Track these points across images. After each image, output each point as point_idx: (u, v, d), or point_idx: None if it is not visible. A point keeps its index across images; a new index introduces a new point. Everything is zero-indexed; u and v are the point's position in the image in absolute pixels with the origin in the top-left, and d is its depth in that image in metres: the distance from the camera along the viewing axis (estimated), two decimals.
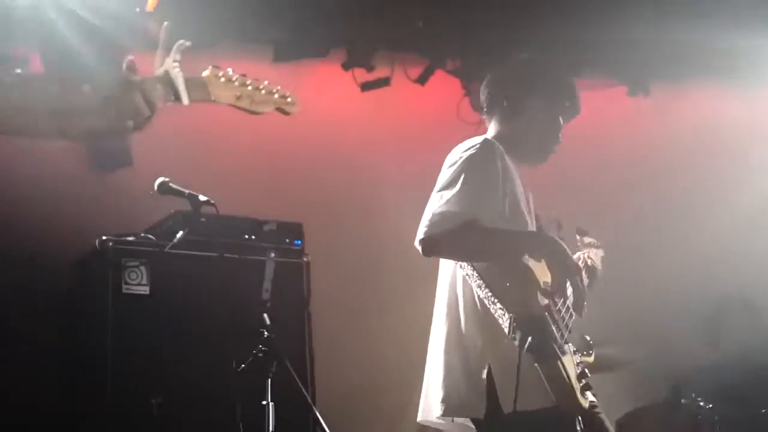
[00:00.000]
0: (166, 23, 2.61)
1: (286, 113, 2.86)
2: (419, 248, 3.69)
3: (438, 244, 3.67)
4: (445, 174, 3.79)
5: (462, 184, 3.69)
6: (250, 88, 2.76)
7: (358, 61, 7.22)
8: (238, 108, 2.77)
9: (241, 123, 6.90)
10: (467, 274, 3.79)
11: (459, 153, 3.84)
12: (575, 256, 4.34)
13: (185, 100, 2.60)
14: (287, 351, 4.88)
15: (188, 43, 2.62)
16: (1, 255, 6.17)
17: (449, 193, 3.68)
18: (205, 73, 2.70)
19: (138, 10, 5.96)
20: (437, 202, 3.70)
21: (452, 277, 3.91)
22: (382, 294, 7.19)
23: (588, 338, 4.09)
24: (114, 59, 2.50)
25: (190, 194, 5.15)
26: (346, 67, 7.25)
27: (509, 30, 7.03)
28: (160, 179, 5.17)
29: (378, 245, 7.15)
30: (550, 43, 7.16)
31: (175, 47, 2.60)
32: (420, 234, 3.68)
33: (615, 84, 7.99)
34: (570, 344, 3.83)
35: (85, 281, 5.91)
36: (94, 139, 6.94)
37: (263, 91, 2.80)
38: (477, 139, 3.89)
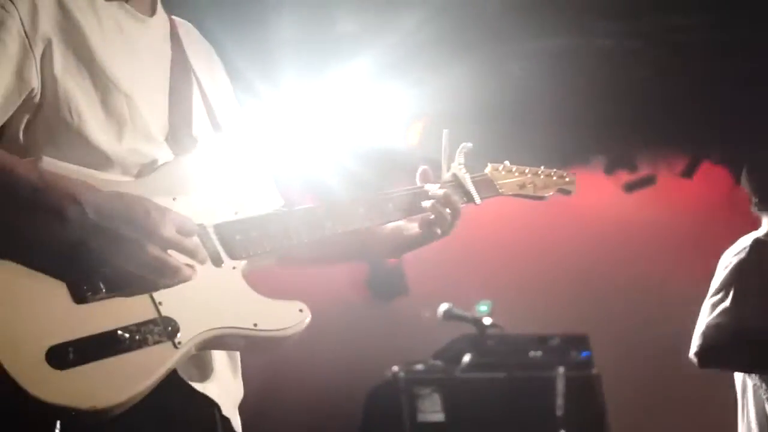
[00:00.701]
0: (446, 130, 2.67)
1: (567, 193, 2.84)
2: (694, 360, 3.61)
3: (712, 358, 3.60)
4: (717, 279, 3.72)
5: (733, 293, 3.62)
6: (529, 175, 2.79)
7: (620, 164, 7.16)
8: (523, 197, 2.79)
9: (507, 239, 7.03)
10: (755, 384, 3.66)
11: (729, 257, 3.76)
12: None
13: (477, 200, 2.63)
14: None
15: (470, 145, 2.66)
16: (294, 392, 6.42)
17: (720, 304, 3.62)
18: (487, 170, 2.74)
19: (406, 145, 6.19)
20: (709, 312, 3.63)
21: (743, 384, 3.78)
22: (678, 399, 6.91)
23: None
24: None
25: (474, 319, 5.22)
26: (608, 171, 7.21)
27: None
28: (445, 306, 5.28)
29: (668, 346, 6.91)
30: None
31: (459, 150, 2.65)
32: (693, 347, 3.61)
33: None
34: None
35: (378, 412, 6.03)
36: (373, 268, 7.22)
37: (542, 176, 2.81)
38: (747, 241, 3.78)
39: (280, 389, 6.40)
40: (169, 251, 1.97)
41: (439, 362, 5.87)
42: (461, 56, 6.04)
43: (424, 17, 5.52)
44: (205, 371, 2.13)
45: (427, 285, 6.59)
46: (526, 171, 2.77)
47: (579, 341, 6.02)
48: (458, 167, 2.61)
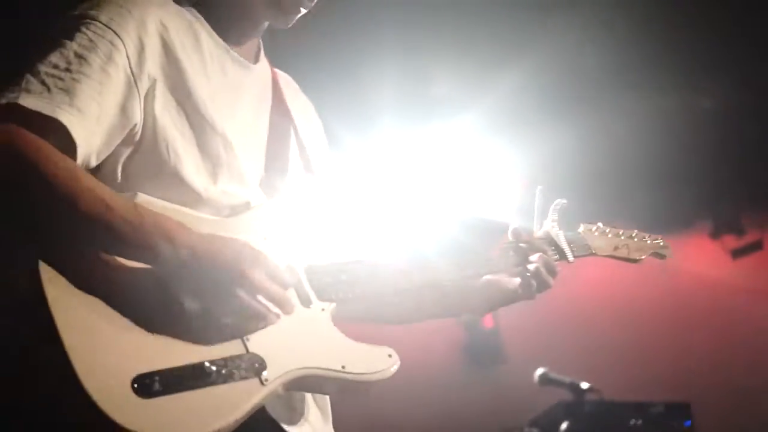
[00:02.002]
0: (539, 187, 2.65)
1: (661, 257, 2.82)
2: None
3: None
4: None
5: None
6: (623, 237, 2.77)
7: (726, 228, 6.97)
8: (617, 258, 2.77)
9: (607, 303, 6.89)
10: None
11: None
12: None
13: (571, 257, 2.62)
14: None
15: (564, 202, 2.64)
16: None
17: None
18: (580, 229, 2.72)
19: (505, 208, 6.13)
20: None
21: None
22: None
23: None
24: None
25: (571, 383, 5.08)
26: (714, 235, 7.02)
27: None
28: (540, 371, 5.15)
29: None
30: None
31: (552, 207, 2.64)
32: None
33: None
34: None
35: None
36: (471, 334, 7.16)
37: (636, 239, 2.79)
38: None
39: None
40: (258, 296, 1.94)
41: (535, 429, 5.72)
42: (561, 118, 6.00)
43: (525, 78, 5.50)
44: (295, 414, 2.11)
45: (525, 350, 6.48)
46: (620, 233, 2.76)
47: (681, 410, 5.79)
48: (551, 224, 2.61)
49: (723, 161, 6.40)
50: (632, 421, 5.69)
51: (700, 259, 7.15)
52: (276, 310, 1.96)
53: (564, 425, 5.43)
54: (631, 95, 5.93)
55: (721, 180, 6.59)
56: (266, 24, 2.29)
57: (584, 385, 5.04)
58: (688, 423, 5.76)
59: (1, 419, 1.87)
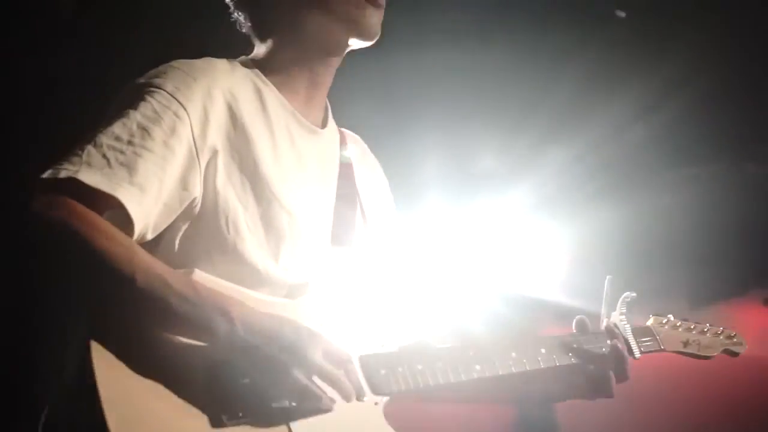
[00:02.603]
0: (609, 277, 2.61)
1: (734, 354, 2.76)
2: None
3: None
4: None
5: None
6: (694, 332, 2.70)
7: None
8: (686, 354, 2.70)
9: (668, 372, 6.74)
10: None
11: None
12: None
13: (637, 354, 2.57)
14: None
15: (633, 295, 2.60)
16: None
17: None
18: (649, 322, 2.68)
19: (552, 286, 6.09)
20: None
21: None
22: None
23: None
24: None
25: None
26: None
27: None
28: None
29: None
30: None
31: (620, 300, 2.60)
32: None
33: None
34: None
35: None
36: (521, 415, 7.03)
37: (708, 334, 2.72)
38: None
39: None
40: (314, 378, 1.91)
41: None
42: (607, 193, 5.98)
43: (571, 155, 5.51)
44: None
45: (583, 424, 6.35)
46: (692, 327, 2.71)
47: None
48: (619, 317, 2.57)
49: None
50: None
51: (754, 328, 7.03)
52: (331, 393, 1.93)
53: None
54: (677, 166, 5.91)
55: None
56: (333, 69, 2.24)
57: None
58: None
59: None
